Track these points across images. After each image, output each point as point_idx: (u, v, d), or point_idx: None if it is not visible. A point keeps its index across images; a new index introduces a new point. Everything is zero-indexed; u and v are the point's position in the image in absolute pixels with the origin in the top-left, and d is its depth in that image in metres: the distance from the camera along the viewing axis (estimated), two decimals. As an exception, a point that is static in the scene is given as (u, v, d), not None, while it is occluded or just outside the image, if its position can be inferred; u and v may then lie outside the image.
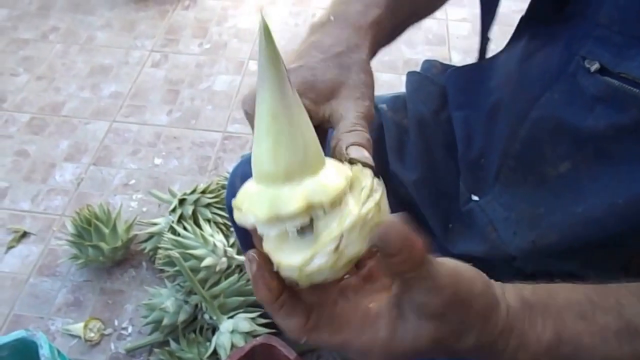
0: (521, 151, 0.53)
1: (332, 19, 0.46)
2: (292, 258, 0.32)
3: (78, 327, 1.20)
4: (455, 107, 0.67)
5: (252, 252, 0.33)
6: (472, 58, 0.68)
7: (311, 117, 0.41)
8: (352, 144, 0.38)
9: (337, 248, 0.32)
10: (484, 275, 0.35)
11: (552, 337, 0.36)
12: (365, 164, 0.37)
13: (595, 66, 0.44)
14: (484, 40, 0.63)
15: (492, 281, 0.36)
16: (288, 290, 0.34)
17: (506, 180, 0.57)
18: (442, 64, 0.72)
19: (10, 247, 1.37)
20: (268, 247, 0.34)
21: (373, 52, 0.47)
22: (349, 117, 0.41)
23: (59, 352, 0.93)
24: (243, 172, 0.74)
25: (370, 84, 0.44)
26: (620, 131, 0.44)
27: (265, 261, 0.33)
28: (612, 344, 0.37)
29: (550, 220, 0.52)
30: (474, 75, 0.66)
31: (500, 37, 0.64)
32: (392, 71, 1.84)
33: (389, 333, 0.33)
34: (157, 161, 1.57)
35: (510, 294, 0.37)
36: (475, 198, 0.62)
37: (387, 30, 0.50)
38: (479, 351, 0.35)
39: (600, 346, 0.37)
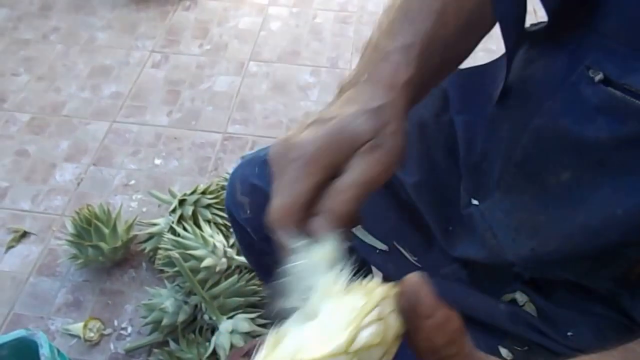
0: (522, 159, 0.53)
1: (365, 77, 0.45)
2: (330, 342, 0.27)
3: (78, 327, 1.20)
4: (456, 110, 0.67)
5: None
6: (474, 60, 0.68)
7: (327, 174, 0.40)
8: (325, 211, 0.37)
9: (379, 316, 0.27)
10: None
11: None
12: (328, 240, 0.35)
13: (599, 76, 0.44)
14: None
15: None
16: None
17: (507, 187, 0.56)
18: (443, 66, 0.72)
19: (10, 247, 1.37)
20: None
21: (407, 110, 0.46)
22: (353, 174, 0.38)
23: (58, 351, 0.93)
24: (243, 174, 0.74)
25: (398, 149, 0.41)
26: (621, 142, 0.44)
27: None
28: None
29: (549, 228, 0.52)
30: (476, 79, 0.66)
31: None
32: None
33: None
34: (157, 162, 1.57)
35: None
36: (475, 202, 0.62)
37: (419, 89, 0.48)
38: None
39: None
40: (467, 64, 0.66)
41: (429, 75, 0.49)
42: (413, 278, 0.27)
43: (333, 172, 0.40)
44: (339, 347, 0.26)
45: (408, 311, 0.27)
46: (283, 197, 0.39)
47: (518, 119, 0.54)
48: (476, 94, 0.65)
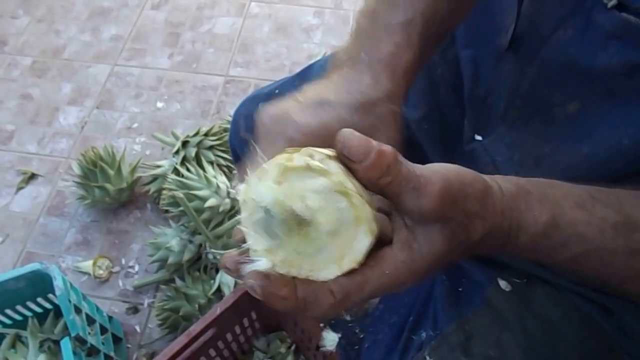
0: (529, 91, 0.53)
1: (364, 57, 0.45)
2: (330, 265, 0.32)
3: (87, 265, 1.24)
4: (463, 45, 0.66)
5: (249, 281, 0.32)
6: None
7: None
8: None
9: (354, 211, 0.31)
10: (472, 170, 0.35)
11: (548, 220, 0.37)
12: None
13: (612, 2, 0.43)
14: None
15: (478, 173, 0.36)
16: (300, 283, 0.33)
17: (512, 120, 0.56)
18: (451, 0, 0.70)
19: (20, 188, 1.40)
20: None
21: (404, 97, 0.47)
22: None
23: (71, 285, 0.96)
24: (246, 111, 0.74)
25: (397, 142, 0.43)
26: (633, 70, 0.43)
27: (264, 279, 0.32)
28: (607, 235, 0.38)
29: (554, 161, 0.52)
30: (483, 13, 0.64)
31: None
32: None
33: (407, 253, 0.33)
34: (160, 105, 1.57)
35: (502, 179, 0.38)
36: (478, 138, 0.62)
37: (418, 70, 0.49)
38: (490, 240, 0.36)
39: (595, 236, 0.38)
40: None
41: (426, 54, 0.50)
42: (343, 131, 0.31)
43: None
44: (348, 266, 0.32)
45: (345, 161, 0.31)
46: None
47: (526, 50, 0.53)
48: (483, 28, 0.64)
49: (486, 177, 0.36)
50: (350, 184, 0.31)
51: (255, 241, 0.32)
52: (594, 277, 0.42)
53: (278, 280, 0.32)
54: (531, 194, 0.38)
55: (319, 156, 0.32)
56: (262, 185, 0.31)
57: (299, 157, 0.31)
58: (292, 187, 0.31)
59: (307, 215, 0.31)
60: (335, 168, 0.31)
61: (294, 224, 0.31)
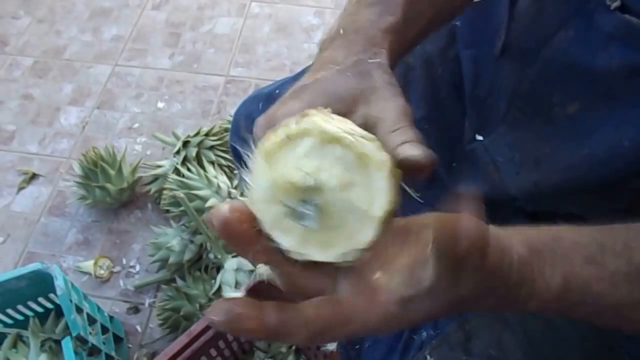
0: (529, 91, 0.53)
1: (341, 32, 0.43)
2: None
3: (88, 265, 1.25)
4: (463, 45, 0.66)
5: (211, 318, 0.31)
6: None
7: None
8: (403, 143, 0.36)
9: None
10: (490, 226, 0.33)
11: (560, 284, 0.36)
12: (420, 165, 0.34)
13: (615, 3, 0.43)
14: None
15: (498, 231, 0.35)
16: (273, 311, 0.31)
17: (513, 120, 0.56)
18: (451, 0, 0.70)
19: (21, 188, 1.40)
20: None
21: (392, 61, 0.43)
22: (388, 117, 0.37)
23: (72, 284, 0.97)
24: (247, 111, 0.74)
25: (396, 83, 0.40)
26: (633, 71, 0.43)
27: (227, 314, 0.31)
28: (622, 289, 0.37)
29: (554, 161, 0.52)
30: (485, 13, 0.64)
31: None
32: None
33: (401, 308, 0.31)
34: (160, 105, 1.57)
35: (517, 240, 0.36)
36: (479, 138, 0.62)
37: (404, 40, 0.46)
38: (494, 307, 0.35)
39: (610, 292, 0.36)
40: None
41: (414, 29, 0.47)
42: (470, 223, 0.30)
43: None
44: (381, 211, 0.30)
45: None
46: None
47: (527, 50, 0.53)
48: (485, 28, 0.63)
49: (504, 239, 0.34)
50: (333, 126, 0.29)
51: (284, 238, 0.31)
52: (611, 328, 0.41)
53: (244, 314, 0.30)
54: (541, 255, 0.36)
55: (294, 120, 0.31)
56: (257, 178, 0.31)
57: (275, 134, 0.31)
58: (283, 163, 0.30)
59: (310, 182, 0.29)
60: (311, 122, 0.30)
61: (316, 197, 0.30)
